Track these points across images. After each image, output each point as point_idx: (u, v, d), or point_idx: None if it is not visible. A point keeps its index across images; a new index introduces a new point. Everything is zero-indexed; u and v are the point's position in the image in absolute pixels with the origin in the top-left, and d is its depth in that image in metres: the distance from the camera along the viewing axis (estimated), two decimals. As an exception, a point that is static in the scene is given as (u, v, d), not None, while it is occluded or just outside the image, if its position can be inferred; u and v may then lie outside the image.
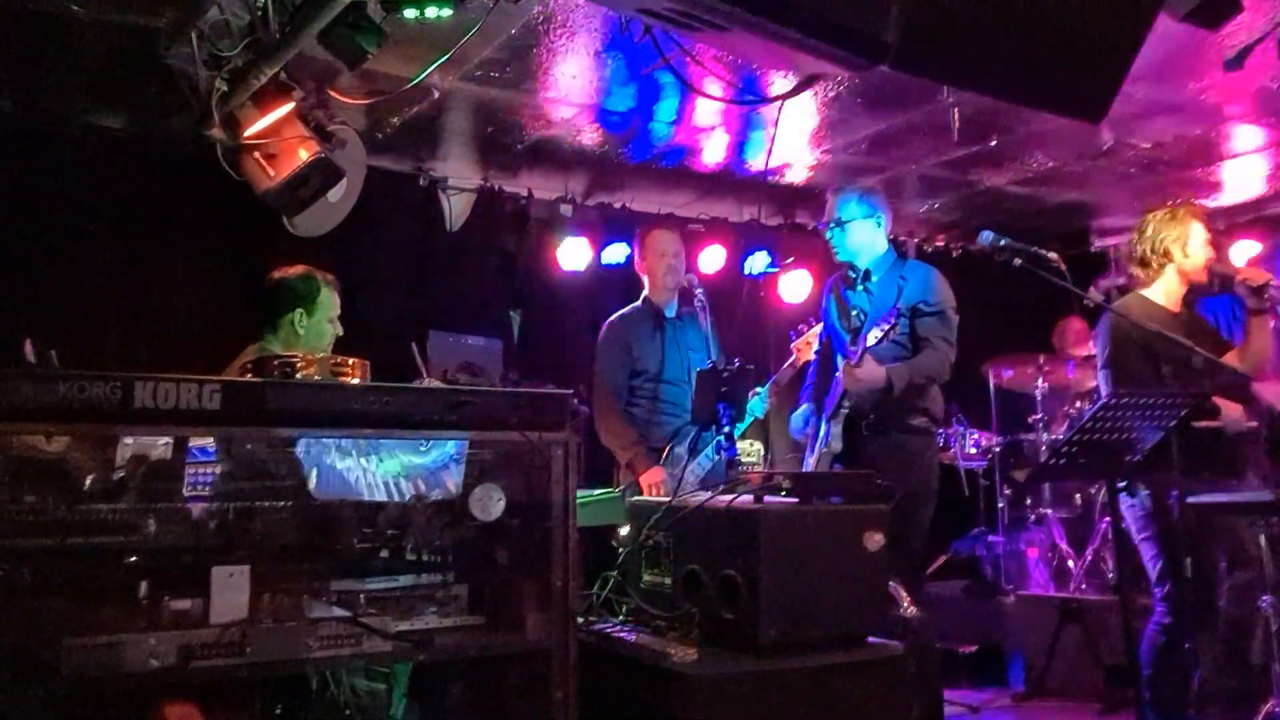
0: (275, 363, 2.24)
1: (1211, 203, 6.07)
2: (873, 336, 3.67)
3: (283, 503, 2.29)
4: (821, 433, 3.98)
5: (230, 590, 2.09)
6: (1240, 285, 3.64)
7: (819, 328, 4.23)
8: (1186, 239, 3.66)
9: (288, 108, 3.49)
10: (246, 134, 3.60)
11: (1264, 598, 3.38)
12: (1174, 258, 3.68)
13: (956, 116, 4.24)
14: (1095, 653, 4.67)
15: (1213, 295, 3.94)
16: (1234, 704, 3.46)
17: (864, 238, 3.94)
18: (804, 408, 4.15)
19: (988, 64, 2.24)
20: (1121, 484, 3.22)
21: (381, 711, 2.83)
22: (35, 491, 2.04)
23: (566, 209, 5.41)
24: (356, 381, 2.29)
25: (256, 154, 3.73)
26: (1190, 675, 3.33)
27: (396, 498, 2.41)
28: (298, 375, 2.21)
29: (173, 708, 2.56)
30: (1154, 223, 3.74)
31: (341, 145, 4.06)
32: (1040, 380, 5.62)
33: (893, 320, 3.64)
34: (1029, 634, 5.06)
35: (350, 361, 2.31)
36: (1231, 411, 3.48)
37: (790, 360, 4.34)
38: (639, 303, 4.44)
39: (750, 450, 5.02)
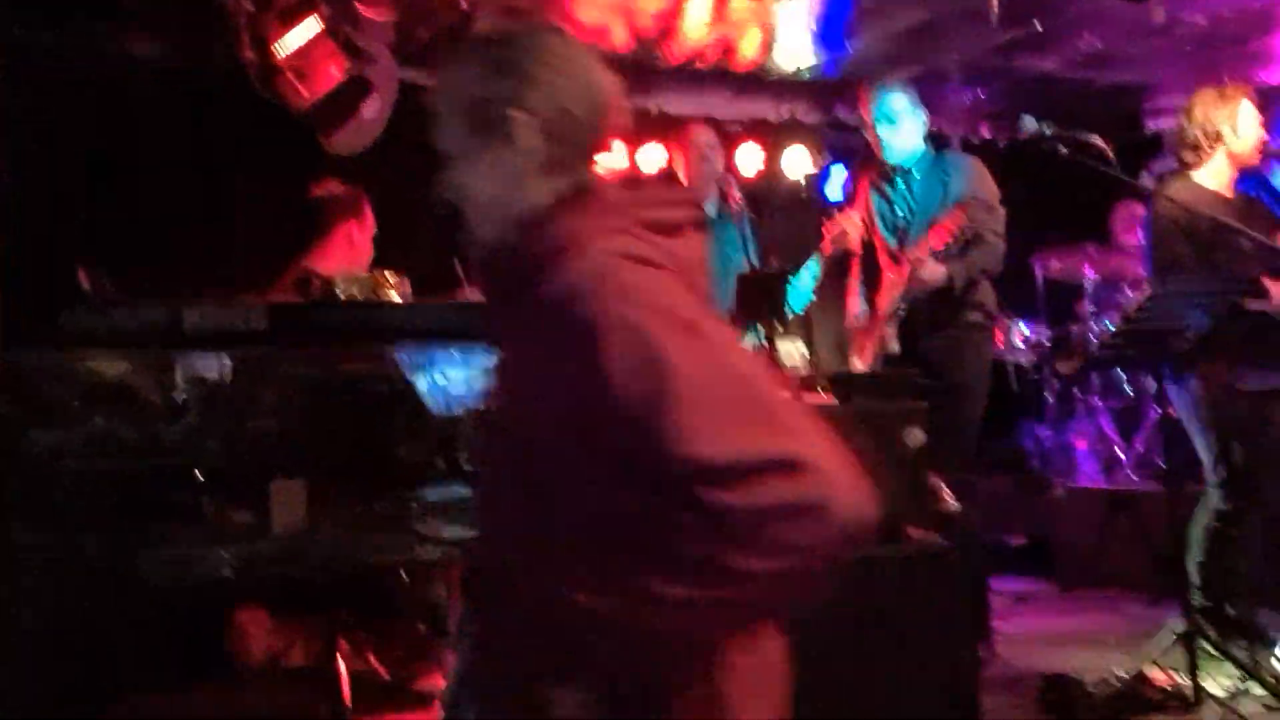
0: (316, 283, 2.28)
1: (1273, 79, 5.82)
2: (937, 238, 3.62)
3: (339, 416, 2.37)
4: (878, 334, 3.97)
5: (289, 502, 2.18)
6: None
7: (854, 215, 4.16)
8: (1237, 119, 3.54)
9: (314, 23, 3.48)
10: (276, 54, 3.60)
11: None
12: (1225, 139, 3.57)
13: (995, 2, 4.09)
14: (1144, 543, 4.68)
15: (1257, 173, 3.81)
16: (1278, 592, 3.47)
17: (912, 134, 3.86)
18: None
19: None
20: (1170, 373, 3.20)
21: (445, 615, 2.95)
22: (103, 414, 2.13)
23: (600, 114, 5.33)
24: (397, 298, 2.34)
25: (289, 74, 3.73)
26: (1239, 565, 3.34)
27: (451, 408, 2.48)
28: (339, 294, 2.25)
29: (244, 613, 2.69)
30: (1201, 104, 3.62)
31: (372, 61, 4.04)
32: (1090, 270, 5.52)
33: (962, 221, 3.58)
34: (1077, 525, 5.08)
35: (389, 277, 2.35)
36: (1278, 291, 3.41)
37: (821, 245, 4.26)
38: (677, 205, 4.40)
39: (792, 350, 5.01)
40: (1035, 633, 4.22)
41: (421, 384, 2.44)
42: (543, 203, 1.22)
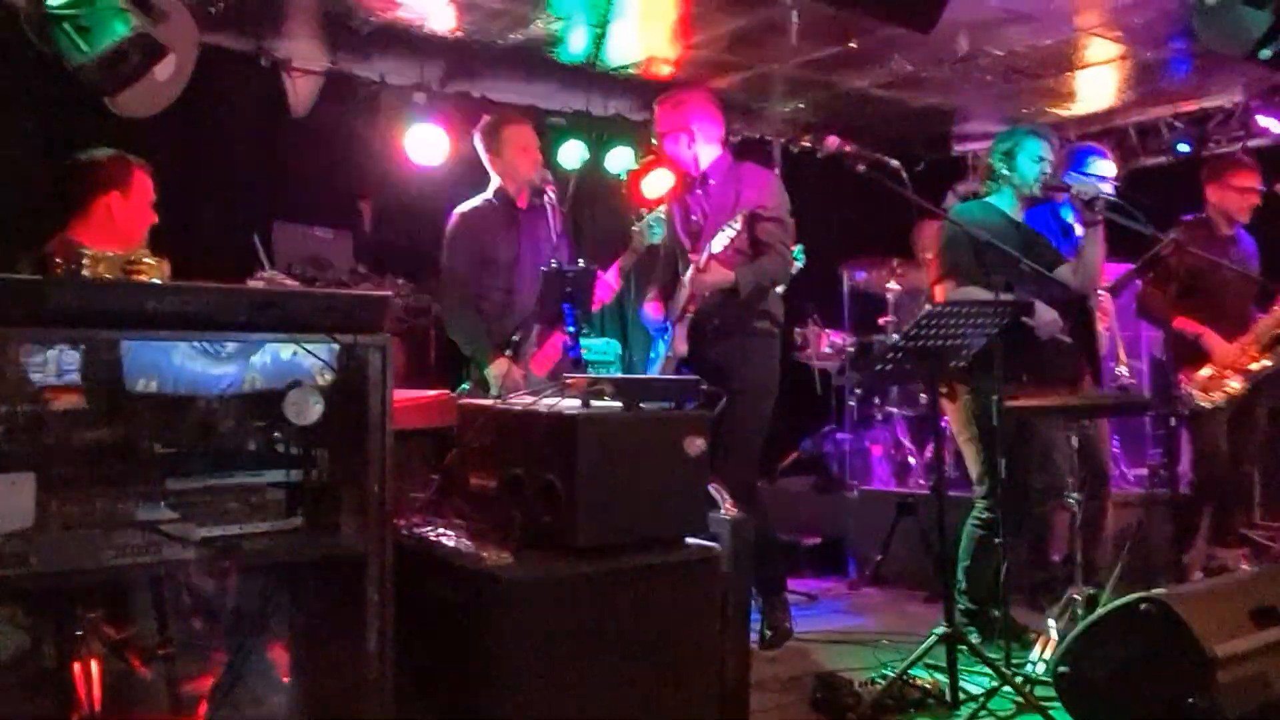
0: (59, 260, 2.10)
1: (1064, 112, 6.23)
2: (718, 242, 3.69)
3: (82, 403, 2.19)
4: (667, 336, 4.01)
5: (13, 498, 2.00)
6: (1074, 199, 3.78)
7: (659, 211, 4.21)
8: (1016, 155, 3.77)
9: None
10: (51, 2, 3.32)
11: (1071, 495, 3.60)
12: (1000, 172, 3.79)
13: (795, 19, 4.20)
14: (926, 544, 4.93)
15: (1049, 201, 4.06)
16: (1035, 593, 3.72)
17: (683, 149, 3.95)
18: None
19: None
20: (941, 389, 3.35)
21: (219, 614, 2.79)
22: None
23: (420, 97, 5.18)
24: (154, 281, 2.17)
25: (66, 25, 3.44)
26: (999, 567, 3.54)
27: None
28: (84, 273, 2.08)
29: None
30: (998, 136, 3.87)
31: (165, 19, 3.78)
32: (893, 282, 5.76)
33: (738, 225, 3.66)
34: (868, 527, 5.30)
35: (146, 260, 2.19)
36: (1045, 314, 3.64)
37: (631, 245, 4.29)
38: (489, 194, 4.30)
39: (606, 349, 5.02)
40: (822, 631, 4.36)
41: (174, 371, 2.29)
42: None
